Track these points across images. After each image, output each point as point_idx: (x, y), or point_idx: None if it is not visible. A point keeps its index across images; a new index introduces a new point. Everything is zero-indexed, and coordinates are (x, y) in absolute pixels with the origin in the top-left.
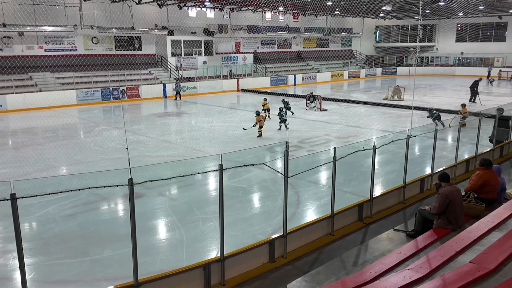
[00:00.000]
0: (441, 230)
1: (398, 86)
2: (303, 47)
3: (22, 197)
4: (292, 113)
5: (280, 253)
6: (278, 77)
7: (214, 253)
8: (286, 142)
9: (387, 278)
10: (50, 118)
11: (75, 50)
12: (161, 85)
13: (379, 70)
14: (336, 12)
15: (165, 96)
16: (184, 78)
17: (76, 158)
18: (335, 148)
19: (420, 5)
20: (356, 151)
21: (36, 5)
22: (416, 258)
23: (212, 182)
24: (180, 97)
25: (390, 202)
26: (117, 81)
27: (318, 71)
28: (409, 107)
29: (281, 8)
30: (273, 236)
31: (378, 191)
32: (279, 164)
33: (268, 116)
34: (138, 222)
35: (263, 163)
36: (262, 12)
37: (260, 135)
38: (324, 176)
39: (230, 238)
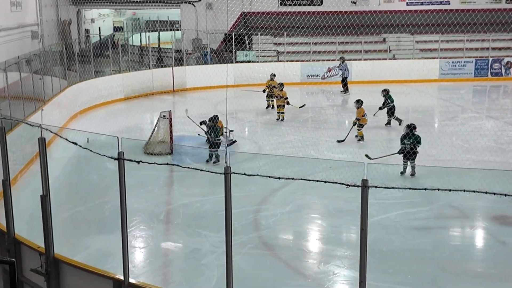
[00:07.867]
0: None
1: None
2: None
3: (376, 187)
4: None
5: None
6: None
7: None
8: None
9: None
10: (400, 96)
11: (447, 3)
12: None
13: None
14: None
15: None
16: None
17: (428, 153)
18: None
19: None
20: None
21: None
22: None
23: None
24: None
25: None
26: (500, 48)
27: None
28: None
29: None
30: None
31: None
32: None
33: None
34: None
35: None
36: None
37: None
38: None
39: None
